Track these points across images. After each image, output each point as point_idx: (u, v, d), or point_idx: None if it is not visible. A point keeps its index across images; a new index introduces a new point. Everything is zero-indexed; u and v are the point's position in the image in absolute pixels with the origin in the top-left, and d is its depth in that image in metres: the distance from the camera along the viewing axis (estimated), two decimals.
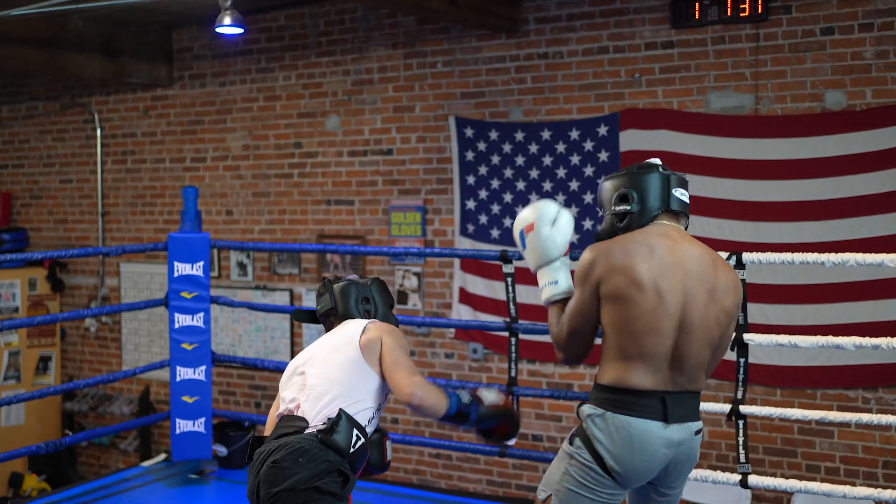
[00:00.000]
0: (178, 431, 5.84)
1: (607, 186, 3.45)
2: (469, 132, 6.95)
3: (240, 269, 8.09)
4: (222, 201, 8.20)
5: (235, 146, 8.11)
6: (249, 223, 8.08)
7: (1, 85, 9.39)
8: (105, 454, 8.98)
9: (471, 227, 6.99)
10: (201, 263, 5.86)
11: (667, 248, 3.25)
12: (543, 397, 6.32)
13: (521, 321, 5.14)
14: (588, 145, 6.53)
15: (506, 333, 5.19)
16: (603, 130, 6.47)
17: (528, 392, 5.44)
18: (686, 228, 3.46)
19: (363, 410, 3.57)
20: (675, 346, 3.21)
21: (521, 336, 5.96)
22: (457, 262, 7.07)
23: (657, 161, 3.46)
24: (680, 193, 3.39)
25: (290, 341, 7.86)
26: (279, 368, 5.44)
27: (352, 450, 3.44)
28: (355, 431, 3.48)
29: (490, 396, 3.78)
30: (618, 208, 3.38)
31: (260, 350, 7.98)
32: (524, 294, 6.52)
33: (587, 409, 3.31)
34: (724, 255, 4.26)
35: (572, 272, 3.47)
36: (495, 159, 6.86)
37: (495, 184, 6.87)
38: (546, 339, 6.55)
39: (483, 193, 6.93)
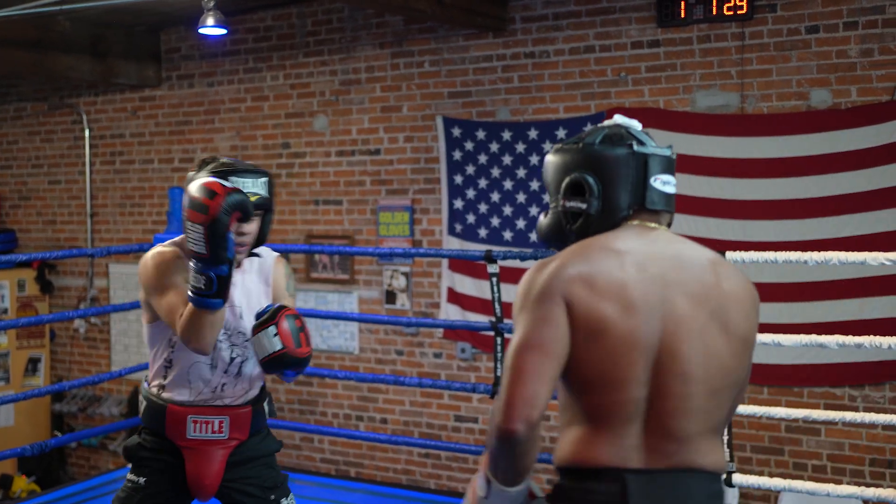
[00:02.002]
0: None
1: (555, 164, 2.34)
2: (456, 132, 6.96)
3: None
4: None
5: (223, 147, 8.10)
6: None
7: None
8: (95, 455, 8.98)
9: (458, 227, 6.99)
10: None
11: (643, 254, 2.19)
12: None
13: (506, 320, 5.14)
14: None
15: (492, 333, 5.19)
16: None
17: None
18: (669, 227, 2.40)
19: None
20: (652, 397, 2.12)
21: (507, 335, 5.97)
22: (445, 261, 7.07)
23: (629, 123, 2.36)
24: (662, 183, 2.29)
25: None
26: None
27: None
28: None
29: None
30: (569, 204, 2.29)
31: None
32: (510, 293, 6.53)
33: None
34: None
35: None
36: (482, 159, 6.87)
37: (483, 183, 6.88)
38: None
39: (470, 193, 6.93)
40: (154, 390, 3.33)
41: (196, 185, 2.94)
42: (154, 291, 3.16)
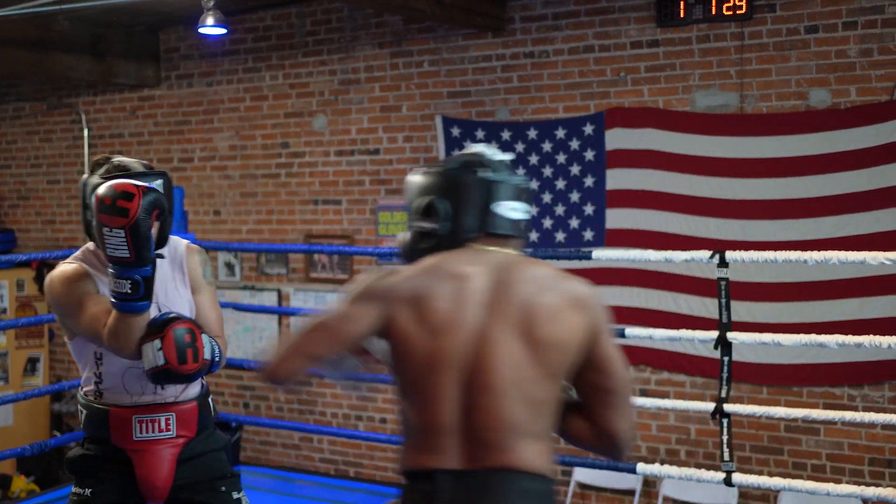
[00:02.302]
0: None
1: (413, 187, 2.49)
2: (456, 131, 6.96)
3: (227, 270, 8.08)
4: (210, 201, 8.19)
5: (223, 146, 8.10)
6: (237, 223, 8.07)
7: None
8: None
9: None
10: None
11: (472, 276, 2.30)
12: None
13: None
14: (574, 144, 6.54)
15: None
16: (589, 129, 6.48)
17: None
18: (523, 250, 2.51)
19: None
20: (467, 411, 2.23)
21: None
22: None
23: (488, 153, 2.47)
24: (509, 209, 2.40)
25: (278, 342, 7.84)
26: None
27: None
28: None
29: None
30: (421, 224, 2.43)
31: (248, 350, 7.97)
32: None
33: None
34: (706, 253, 4.25)
35: None
36: None
37: None
38: None
39: None
40: (91, 398, 3.20)
41: (106, 189, 2.83)
42: (69, 309, 3.05)
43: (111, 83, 8.32)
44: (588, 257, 4.63)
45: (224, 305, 6.09)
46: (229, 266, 8.08)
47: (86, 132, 8.83)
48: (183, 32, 8.20)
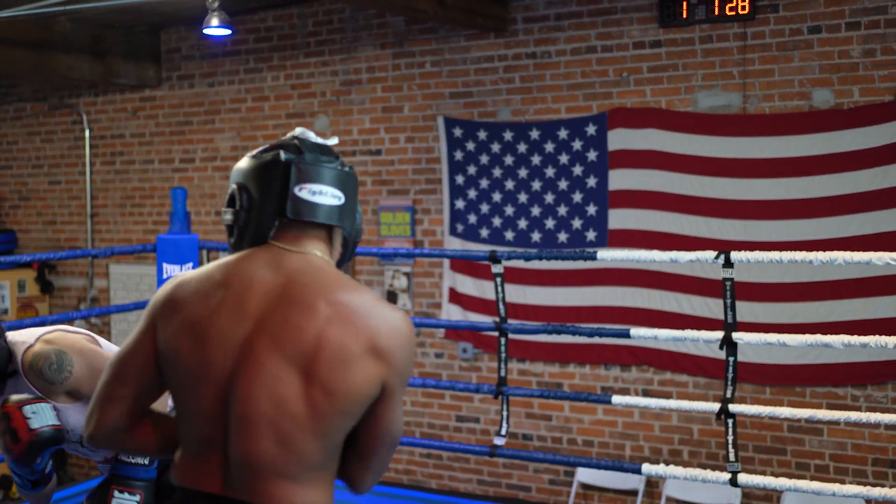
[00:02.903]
0: None
1: (231, 174, 2.19)
2: (458, 132, 6.95)
3: None
4: (211, 202, 8.19)
5: (224, 147, 8.10)
6: None
7: None
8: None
9: (460, 227, 6.99)
10: (190, 265, 5.85)
11: (249, 284, 2.05)
12: (533, 396, 6.32)
13: (510, 321, 5.14)
14: (576, 145, 6.53)
15: (496, 333, 5.19)
16: (591, 130, 6.48)
17: (518, 392, 5.44)
18: (334, 248, 2.18)
19: None
20: (229, 432, 2.00)
21: (511, 336, 5.97)
22: (446, 261, 7.07)
23: (303, 135, 2.18)
24: (309, 192, 2.10)
25: None
26: None
27: None
28: None
29: None
30: (225, 216, 2.16)
31: None
32: (514, 294, 6.54)
33: None
34: (712, 254, 4.25)
35: None
36: (484, 159, 6.87)
37: (484, 183, 6.88)
38: (536, 338, 6.57)
39: (472, 193, 6.93)
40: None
41: None
42: None
43: (112, 84, 8.31)
44: (593, 258, 4.63)
45: None
46: None
47: (87, 133, 8.83)
48: (184, 33, 8.19)
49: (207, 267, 2.12)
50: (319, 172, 2.10)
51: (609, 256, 4.66)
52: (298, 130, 2.18)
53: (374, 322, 1.99)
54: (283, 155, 2.09)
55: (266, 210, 2.08)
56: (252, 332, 1.99)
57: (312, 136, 2.17)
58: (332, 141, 2.21)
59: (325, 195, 2.11)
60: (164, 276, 5.82)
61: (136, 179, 8.63)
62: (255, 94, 7.91)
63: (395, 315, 2.02)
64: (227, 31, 5.79)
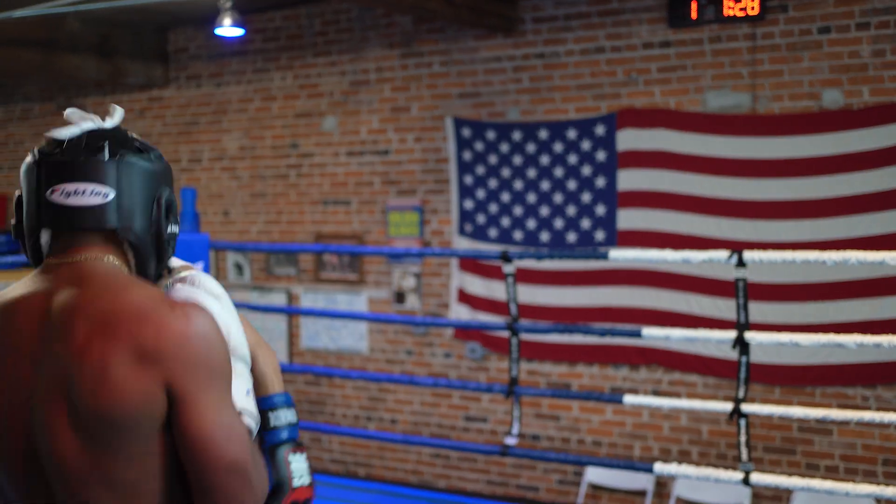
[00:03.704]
0: None
1: None
2: (466, 132, 6.96)
3: (237, 270, 8.08)
4: (219, 202, 8.19)
5: (232, 147, 8.10)
6: (246, 224, 8.07)
7: None
8: None
9: (468, 227, 6.99)
10: (200, 265, 5.86)
11: (13, 312, 1.78)
12: (543, 396, 6.33)
13: (522, 320, 5.14)
14: (586, 145, 6.54)
15: (506, 333, 5.19)
16: (600, 130, 6.49)
17: (528, 391, 5.45)
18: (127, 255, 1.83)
19: None
20: (44, 476, 1.69)
21: (523, 335, 5.98)
22: (454, 261, 7.08)
23: (49, 133, 1.84)
24: (60, 195, 1.76)
25: (288, 342, 7.85)
26: None
27: None
28: None
29: None
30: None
31: None
32: (523, 294, 6.54)
33: None
34: (724, 253, 4.26)
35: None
36: (493, 159, 6.87)
37: (493, 184, 6.88)
38: (545, 338, 6.58)
39: (481, 193, 6.94)
40: None
41: None
42: None
43: (119, 83, 8.32)
44: (605, 257, 4.63)
45: (234, 306, 6.10)
46: (238, 267, 8.08)
47: None
48: (192, 33, 8.20)
49: None
50: (75, 168, 1.76)
51: (621, 256, 4.66)
52: (66, 113, 1.84)
53: (140, 325, 1.65)
54: (32, 154, 1.80)
55: (27, 223, 1.80)
56: (30, 375, 1.69)
57: (81, 119, 1.85)
58: (87, 123, 1.85)
59: (82, 195, 1.76)
60: None
61: None
62: (262, 94, 7.91)
63: (172, 314, 1.67)
64: (240, 31, 5.79)
